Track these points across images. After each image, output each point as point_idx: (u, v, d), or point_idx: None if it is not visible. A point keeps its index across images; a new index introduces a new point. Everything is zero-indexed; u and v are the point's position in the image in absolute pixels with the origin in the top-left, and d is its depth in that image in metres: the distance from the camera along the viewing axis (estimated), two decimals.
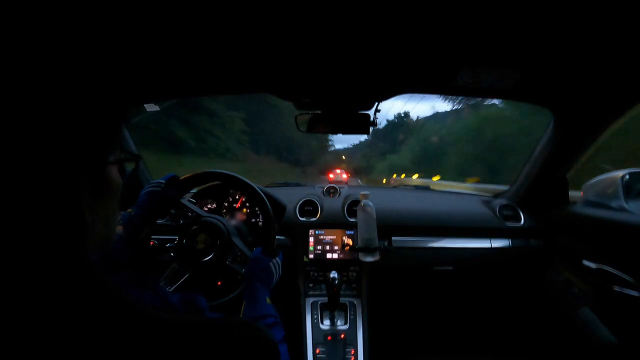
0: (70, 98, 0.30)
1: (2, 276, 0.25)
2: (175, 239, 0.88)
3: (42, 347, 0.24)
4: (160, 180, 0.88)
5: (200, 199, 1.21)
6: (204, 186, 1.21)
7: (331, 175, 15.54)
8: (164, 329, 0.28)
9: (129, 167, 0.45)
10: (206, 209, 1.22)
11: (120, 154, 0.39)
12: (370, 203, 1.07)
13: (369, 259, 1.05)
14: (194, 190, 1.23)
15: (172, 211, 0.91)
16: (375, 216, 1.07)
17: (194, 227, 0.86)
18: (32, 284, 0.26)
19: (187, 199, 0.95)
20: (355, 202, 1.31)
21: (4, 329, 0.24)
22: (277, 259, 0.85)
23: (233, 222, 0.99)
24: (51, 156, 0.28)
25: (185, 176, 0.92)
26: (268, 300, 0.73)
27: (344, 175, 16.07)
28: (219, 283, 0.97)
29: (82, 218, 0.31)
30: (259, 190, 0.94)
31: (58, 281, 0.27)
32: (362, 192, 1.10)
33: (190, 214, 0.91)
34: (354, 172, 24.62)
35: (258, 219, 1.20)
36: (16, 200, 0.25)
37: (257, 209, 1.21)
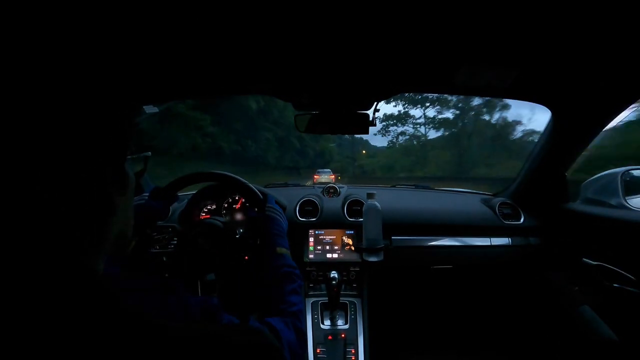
0: (93, 94, 0.33)
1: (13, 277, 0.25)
2: (175, 242, 0.89)
3: (38, 355, 0.24)
4: (144, 194, 0.90)
5: (199, 200, 1.21)
6: (202, 187, 1.21)
7: (316, 176, 15.19)
8: (165, 339, 0.28)
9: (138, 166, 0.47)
10: (206, 210, 1.22)
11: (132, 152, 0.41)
12: (376, 203, 1.07)
13: (374, 258, 1.06)
14: (193, 192, 1.23)
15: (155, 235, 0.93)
16: (381, 216, 1.07)
17: (196, 230, 0.86)
18: (36, 286, 0.26)
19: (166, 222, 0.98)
20: (355, 202, 1.31)
21: (4, 336, 0.24)
22: (269, 205, 0.88)
23: (232, 220, 0.98)
24: (79, 149, 0.30)
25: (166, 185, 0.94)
26: (283, 250, 0.76)
27: (331, 176, 15.58)
28: (246, 258, 0.98)
29: (111, 205, 0.34)
30: (240, 179, 0.96)
31: (61, 287, 0.27)
32: (369, 192, 1.09)
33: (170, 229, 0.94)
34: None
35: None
36: (30, 199, 0.27)
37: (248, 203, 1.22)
